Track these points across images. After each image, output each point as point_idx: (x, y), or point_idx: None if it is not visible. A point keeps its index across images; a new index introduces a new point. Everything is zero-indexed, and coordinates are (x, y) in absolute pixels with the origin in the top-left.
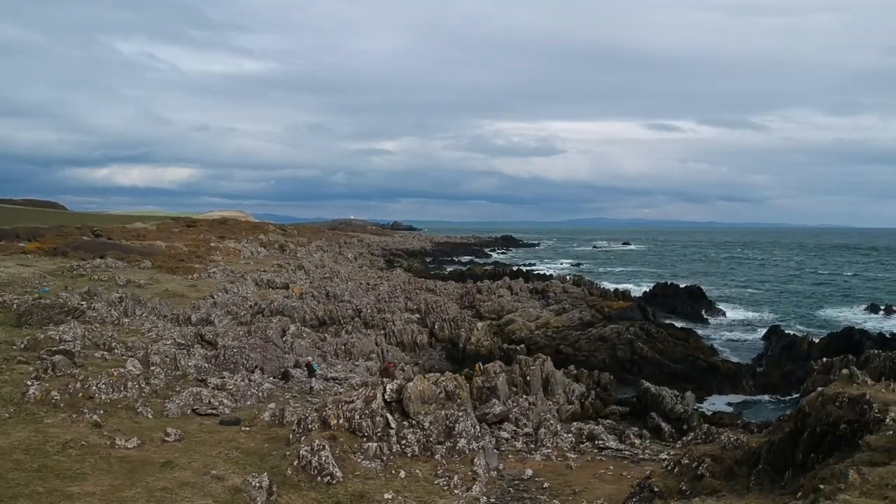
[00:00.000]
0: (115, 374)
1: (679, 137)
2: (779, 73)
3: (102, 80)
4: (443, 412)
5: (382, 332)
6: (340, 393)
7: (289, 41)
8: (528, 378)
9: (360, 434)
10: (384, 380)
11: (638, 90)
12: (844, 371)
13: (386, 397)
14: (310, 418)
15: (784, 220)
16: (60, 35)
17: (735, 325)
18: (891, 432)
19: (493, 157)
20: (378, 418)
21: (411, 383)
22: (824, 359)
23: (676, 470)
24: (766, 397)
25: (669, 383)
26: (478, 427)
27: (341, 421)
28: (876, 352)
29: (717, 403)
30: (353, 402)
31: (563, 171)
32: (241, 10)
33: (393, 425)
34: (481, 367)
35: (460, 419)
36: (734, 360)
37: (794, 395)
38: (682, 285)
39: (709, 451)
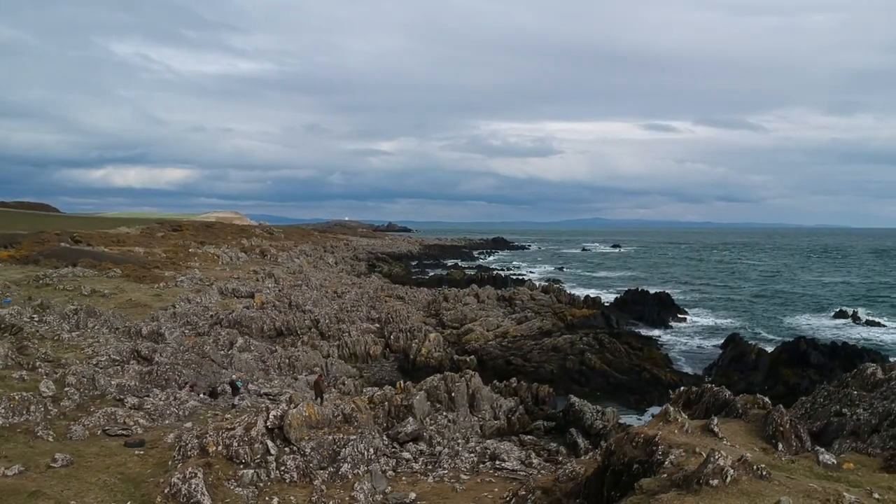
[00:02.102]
0: (17, 398)
1: (676, 138)
2: (775, 72)
3: (98, 80)
4: (330, 437)
5: (337, 343)
6: (228, 418)
7: (284, 41)
8: (453, 394)
9: (238, 461)
10: (269, 411)
11: (634, 90)
12: (662, 408)
13: (268, 424)
14: (189, 445)
15: (782, 220)
16: (55, 36)
17: (697, 333)
18: (664, 475)
19: (490, 157)
20: (258, 445)
21: (295, 409)
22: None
23: (513, 501)
24: None
25: (615, 394)
26: (371, 450)
27: (220, 448)
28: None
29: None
30: (233, 429)
31: (560, 172)
32: (236, 11)
33: (273, 452)
34: (401, 385)
35: (350, 443)
36: (688, 369)
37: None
38: (652, 291)
39: (542, 484)
